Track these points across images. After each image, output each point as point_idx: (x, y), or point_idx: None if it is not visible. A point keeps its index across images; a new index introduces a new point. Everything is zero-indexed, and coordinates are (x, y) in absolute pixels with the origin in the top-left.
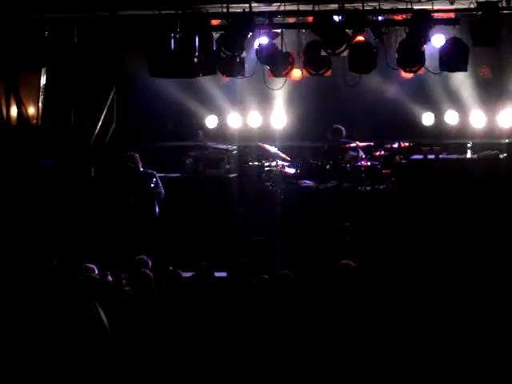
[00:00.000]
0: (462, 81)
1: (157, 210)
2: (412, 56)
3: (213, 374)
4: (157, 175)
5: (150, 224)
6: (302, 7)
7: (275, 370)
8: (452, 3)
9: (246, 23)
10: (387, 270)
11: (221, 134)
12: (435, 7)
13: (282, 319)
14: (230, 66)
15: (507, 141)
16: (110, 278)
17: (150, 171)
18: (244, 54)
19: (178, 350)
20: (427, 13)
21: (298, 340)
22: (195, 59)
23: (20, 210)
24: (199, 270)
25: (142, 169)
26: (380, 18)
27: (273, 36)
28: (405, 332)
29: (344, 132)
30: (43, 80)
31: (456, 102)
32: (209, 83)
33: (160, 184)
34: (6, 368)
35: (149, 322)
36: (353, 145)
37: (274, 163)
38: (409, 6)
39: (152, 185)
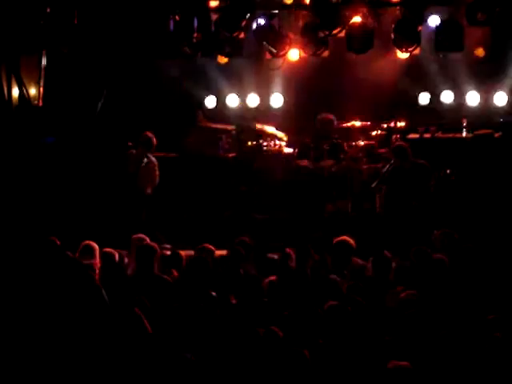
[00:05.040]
0: (457, 60)
1: (149, 190)
2: (408, 36)
3: (215, 357)
4: (157, 164)
5: (141, 203)
6: None
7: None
8: None
9: (244, 4)
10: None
11: (219, 114)
12: None
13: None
14: (229, 47)
15: (502, 119)
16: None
17: (152, 159)
18: (242, 35)
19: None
20: None
21: (300, 317)
22: (194, 40)
23: (21, 188)
24: (199, 252)
25: (148, 153)
26: None
27: (270, 17)
28: (404, 310)
29: (335, 121)
30: (44, 61)
31: (451, 81)
32: (207, 64)
33: (156, 174)
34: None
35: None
36: (349, 124)
37: (272, 143)
38: None
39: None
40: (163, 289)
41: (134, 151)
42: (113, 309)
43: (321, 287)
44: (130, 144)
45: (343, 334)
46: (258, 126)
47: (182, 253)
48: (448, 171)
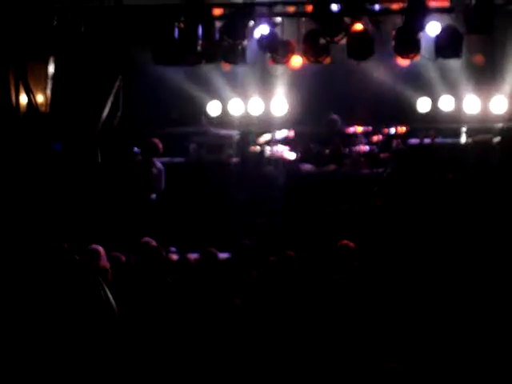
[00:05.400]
0: (456, 67)
1: (153, 196)
2: (408, 43)
3: (217, 357)
4: (163, 171)
5: (147, 208)
6: None
7: (278, 350)
8: None
9: (248, 13)
10: (385, 250)
11: (223, 120)
12: None
13: (285, 298)
14: (232, 54)
15: (500, 125)
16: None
17: (158, 165)
18: (245, 42)
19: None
20: (422, 2)
21: (301, 319)
22: (198, 47)
23: (29, 194)
24: (204, 255)
25: (153, 159)
26: (377, 6)
27: (273, 25)
28: (403, 311)
29: (339, 122)
30: (51, 68)
31: (451, 87)
32: (212, 71)
33: (162, 180)
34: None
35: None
36: (351, 129)
37: (274, 148)
38: None
39: (150, 178)
40: (166, 291)
41: (140, 157)
42: (120, 311)
43: (323, 289)
44: (136, 150)
45: (346, 336)
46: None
47: (189, 257)
48: (451, 176)
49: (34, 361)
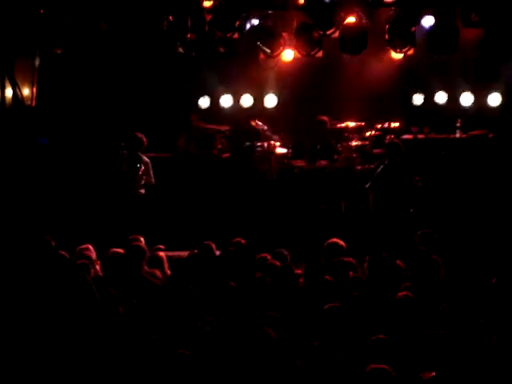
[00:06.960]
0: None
1: (142, 191)
2: (402, 37)
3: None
4: (150, 164)
5: (135, 204)
6: None
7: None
8: None
9: (238, 5)
10: (378, 246)
11: (213, 114)
12: None
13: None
14: (223, 47)
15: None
16: None
17: (145, 159)
18: (236, 36)
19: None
20: None
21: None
22: (188, 40)
23: (16, 190)
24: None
25: (140, 153)
26: None
27: (264, 18)
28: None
29: (328, 123)
30: (37, 62)
31: (445, 81)
32: (202, 64)
33: (151, 173)
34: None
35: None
36: (343, 125)
37: (266, 143)
38: None
39: (140, 172)
40: (150, 290)
41: (126, 151)
42: (105, 308)
43: (315, 288)
44: (123, 144)
45: (341, 336)
46: (253, 123)
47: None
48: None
49: (20, 353)
